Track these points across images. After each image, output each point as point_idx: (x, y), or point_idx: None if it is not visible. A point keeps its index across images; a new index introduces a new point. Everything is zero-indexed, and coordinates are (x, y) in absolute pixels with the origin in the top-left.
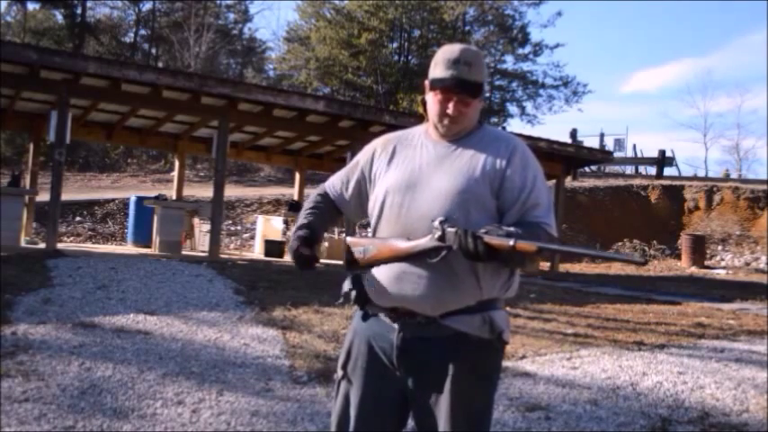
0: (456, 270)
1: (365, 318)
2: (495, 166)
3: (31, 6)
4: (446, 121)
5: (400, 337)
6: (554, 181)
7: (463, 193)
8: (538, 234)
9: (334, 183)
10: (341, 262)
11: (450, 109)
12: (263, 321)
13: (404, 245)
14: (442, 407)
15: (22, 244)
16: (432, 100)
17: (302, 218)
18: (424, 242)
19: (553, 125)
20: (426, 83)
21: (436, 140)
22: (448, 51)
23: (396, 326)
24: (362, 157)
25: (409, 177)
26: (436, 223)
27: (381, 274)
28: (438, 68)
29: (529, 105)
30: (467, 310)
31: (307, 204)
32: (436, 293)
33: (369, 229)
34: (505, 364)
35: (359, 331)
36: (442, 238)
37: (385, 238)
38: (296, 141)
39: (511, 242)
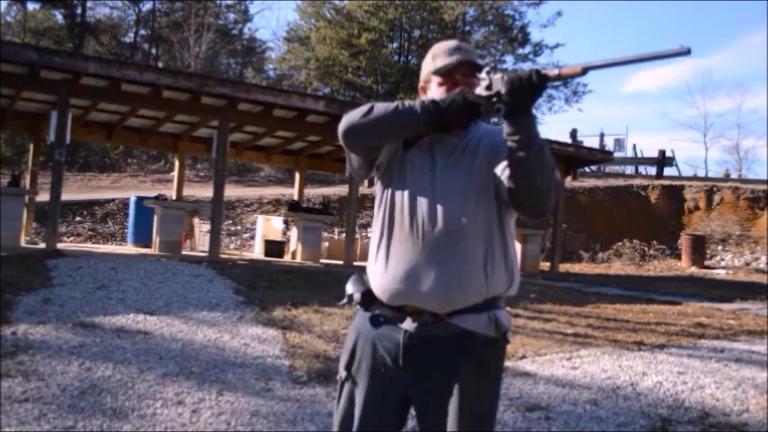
0: (465, 265)
1: (373, 321)
2: (494, 151)
3: (31, 6)
4: None
5: (407, 337)
6: None
7: (471, 186)
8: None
9: None
10: (341, 262)
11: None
12: (263, 321)
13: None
14: (448, 407)
15: (22, 244)
16: (436, 92)
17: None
18: (477, 92)
19: (553, 125)
20: (422, 84)
21: (438, 136)
22: (444, 43)
23: (402, 326)
24: None
25: (419, 175)
26: (483, 74)
27: (389, 272)
28: (439, 59)
29: None
30: (473, 308)
31: (387, 104)
32: (445, 290)
33: (370, 229)
34: (505, 363)
35: (363, 332)
36: (489, 87)
37: None
38: (296, 141)
39: (556, 71)
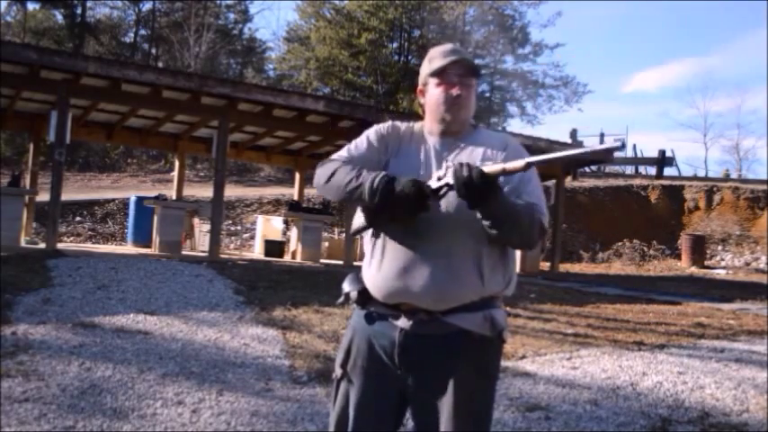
0: (459, 264)
1: (368, 317)
2: (493, 158)
3: (31, 6)
4: (454, 106)
5: (402, 335)
6: (554, 181)
7: None
8: (531, 211)
9: (360, 159)
10: (341, 262)
11: (457, 90)
12: (263, 321)
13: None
14: (444, 406)
15: (22, 244)
16: (434, 92)
17: (361, 174)
18: (429, 182)
19: (553, 125)
20: (420, 86)
21: (436, 138)
22: (440, 47)
23: (397, 324)
24: (377, 140)
25: (414, 176)
26: (443, 166)
27: (383, 270)
28: (435, 61)
29: (529, 105)
30: (468, 307)
31: (347, 171)
32: (439, 287)
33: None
34: (505, 364)
35: (359, 330)
36: (440, 178)
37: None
38: (296, 141)
39: (500, 166)
